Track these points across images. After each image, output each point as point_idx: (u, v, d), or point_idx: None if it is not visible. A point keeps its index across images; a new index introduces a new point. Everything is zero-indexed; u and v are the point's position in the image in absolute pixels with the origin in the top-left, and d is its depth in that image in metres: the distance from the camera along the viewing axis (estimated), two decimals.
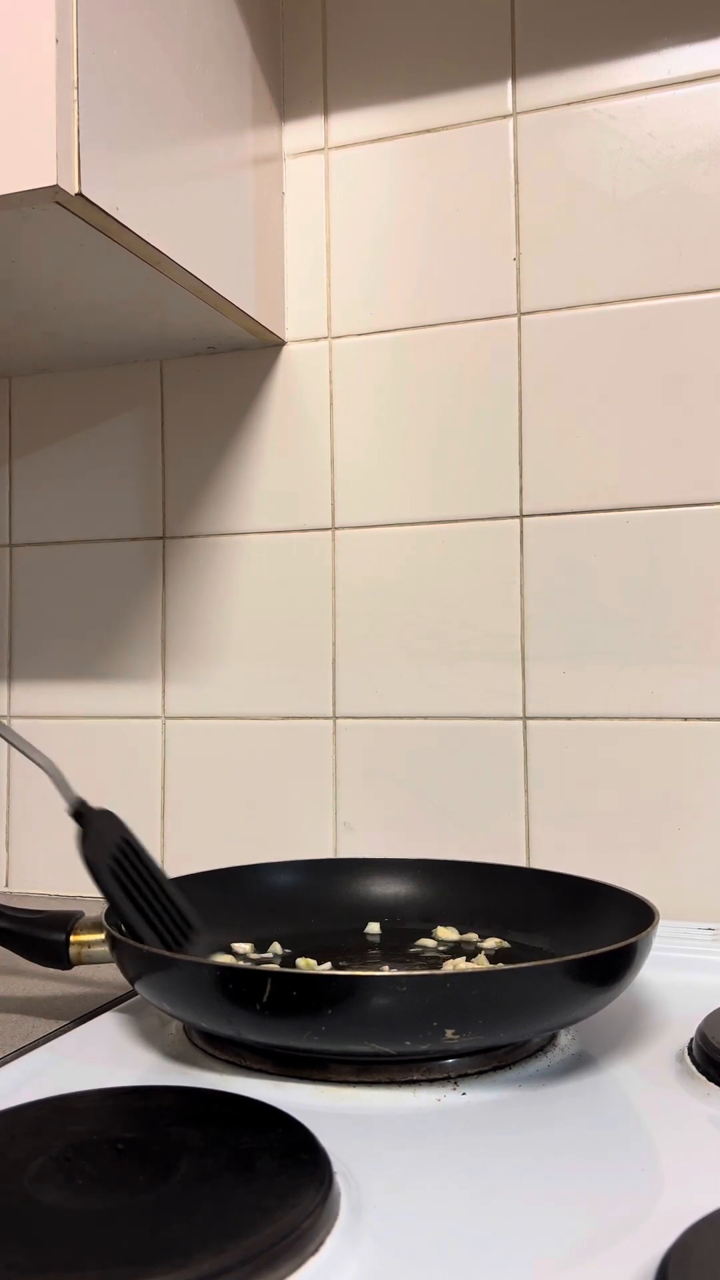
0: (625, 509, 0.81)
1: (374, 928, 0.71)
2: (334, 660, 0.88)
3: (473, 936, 0.69)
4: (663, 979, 0.65)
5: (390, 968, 0.64)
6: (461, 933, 0.69)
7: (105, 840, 0.61)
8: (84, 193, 0.63)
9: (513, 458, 0.84)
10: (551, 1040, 0.56)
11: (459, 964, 0.63)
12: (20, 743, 0.61)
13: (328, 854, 0.87)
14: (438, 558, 0.86)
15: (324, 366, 0.89)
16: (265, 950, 0.67)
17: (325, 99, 0.89)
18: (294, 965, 0.63)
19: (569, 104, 0.82)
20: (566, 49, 0.82)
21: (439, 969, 0.62)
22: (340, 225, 0.89)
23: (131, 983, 0.56)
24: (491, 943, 0.67)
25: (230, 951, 0.67)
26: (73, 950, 0.61)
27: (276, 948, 0.67)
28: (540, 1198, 0.41)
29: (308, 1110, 0.45)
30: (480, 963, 0.63)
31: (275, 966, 0.63)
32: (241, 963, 0.64)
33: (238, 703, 0.91)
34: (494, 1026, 0.50)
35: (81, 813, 0.61)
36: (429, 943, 0.68)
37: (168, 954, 0.53)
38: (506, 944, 0.67)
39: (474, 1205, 0.40)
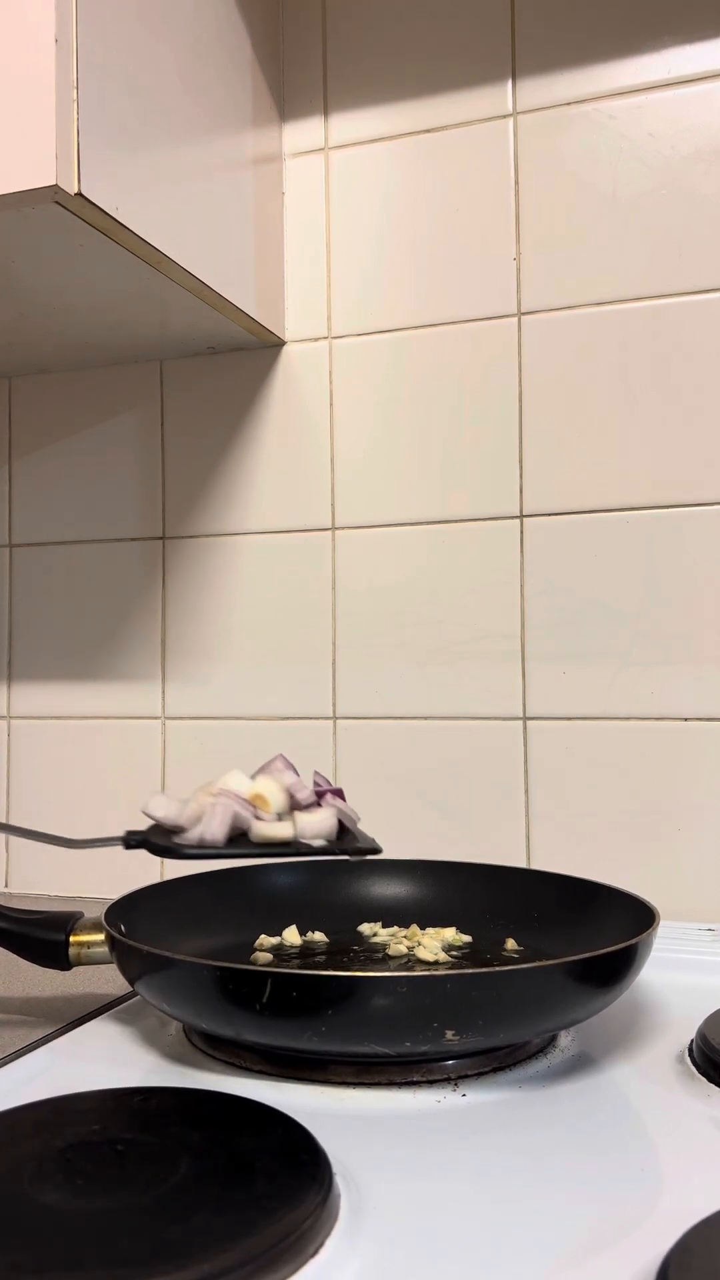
0: (625, 509, 0.81)
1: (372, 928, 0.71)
2: (334, 660, 0.88)
3: (450, 935, 0.68)
4: (663, 980, 0.65)
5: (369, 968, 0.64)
6: (460, 933, 0.69)
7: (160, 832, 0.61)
8: (83, 192, 0.63)
9: (513, 458, 0.84)
10: (551, 1041, 0.56)
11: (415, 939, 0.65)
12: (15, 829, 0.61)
13: None
14: (438, 558, 0.86)
15: (324, 366, 0.89)
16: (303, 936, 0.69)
17: (325, 99, 0.89)
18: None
19: (569, 104, 0.82)
20: (566, 49, 0.82)
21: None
22: (340, 225, 0.89)
23: (131, 983, 0.56)
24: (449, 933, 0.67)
25: (262, 949, 0.67)
26: (73, 950, 0.61)
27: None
28: (540, 1199, 0.41)
29: (307, 1111, 0.45)
30: (435, 954, 0.64)
31: (275, 967, 0.63)
32: (262, 957, 0.65)
33: (238, 703, 0.91)
34: (494, 1027, 0.50)
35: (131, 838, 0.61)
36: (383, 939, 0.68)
37: (168, 954, 0.52)
38: (468, 937, 0.67)
39: (474, 1206, 0.40)
